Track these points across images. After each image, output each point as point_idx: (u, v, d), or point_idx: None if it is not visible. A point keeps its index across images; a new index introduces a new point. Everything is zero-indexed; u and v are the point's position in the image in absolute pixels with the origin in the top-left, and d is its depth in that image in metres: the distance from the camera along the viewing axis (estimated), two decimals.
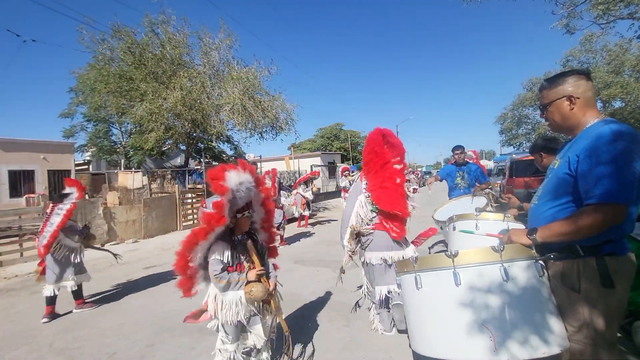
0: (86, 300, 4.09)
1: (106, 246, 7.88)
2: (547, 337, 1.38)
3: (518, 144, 30.37)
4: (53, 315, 3.74)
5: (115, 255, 4.64)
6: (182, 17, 11.60)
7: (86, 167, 21.50)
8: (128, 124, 17.98)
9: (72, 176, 15.95)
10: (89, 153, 21.74)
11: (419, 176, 25.59)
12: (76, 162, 18.42)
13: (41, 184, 15.30)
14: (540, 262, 1.48)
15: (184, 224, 10.00)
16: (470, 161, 5.74)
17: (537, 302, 1.44)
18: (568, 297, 1.43)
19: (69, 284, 3.85)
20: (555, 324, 1.42)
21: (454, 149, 5.30)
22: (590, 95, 1.48)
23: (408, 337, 1.81)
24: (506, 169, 9.93)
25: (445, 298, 1.50)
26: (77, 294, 3.96)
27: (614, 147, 1.27)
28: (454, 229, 2.82)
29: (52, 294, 3.74)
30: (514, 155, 10.37)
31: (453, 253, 1.49)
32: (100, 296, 4.39)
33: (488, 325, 1.40)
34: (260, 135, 13.06)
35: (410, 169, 25.09)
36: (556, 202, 1.48)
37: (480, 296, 1.44)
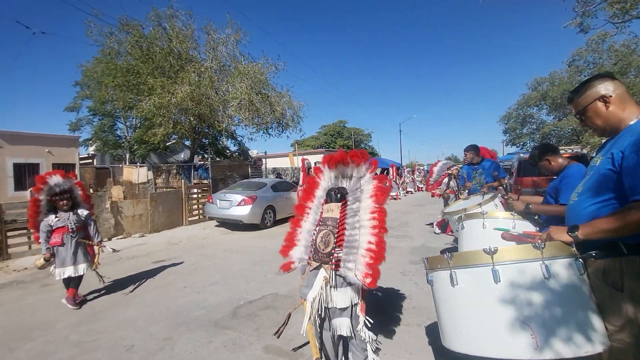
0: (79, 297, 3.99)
1: (113, 240, 7.91)
2: (590, 335, 1.36)
3: (522, 143, 30.30)
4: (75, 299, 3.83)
5: (114, 250, 4.63)
6: (187, 11, 11.56)
7: (91, 161, 21.55)
8: (133, 118, 17.99)
9: (77, 170, 15.96)
10: (94, 147, 21.76)
11: (422, 174, 25.53)
12: (81, 156, 18.45)
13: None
14: (581, 259, 1.45)
15: (189, 219, 9.99)
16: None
17: (578, 300, 1.42)
18: (610, 295, 1.40)
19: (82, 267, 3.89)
20: (597, 322, 1.40)
21: (464, 150, 5.23)
22: (622, 91, 1.48)
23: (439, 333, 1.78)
24: (514, 169, 9.88)
25: (484, 295, 1.47)
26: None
27: None
28: (463, 227, 2.88)
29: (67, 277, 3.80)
30: (521, 155, 10.32)
31: (492, 250, 1.46)
32: (111, 289, 4.37)
33: (529, 322, 1.37)
34: (265, 131, 13.03)
35: (408, 168, 24.86)
36: (598, 199, 1.45)
37: (521, 293, 1.41)
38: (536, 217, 2.65)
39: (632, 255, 1.35)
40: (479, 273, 1.50)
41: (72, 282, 3.86)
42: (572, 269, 1.44)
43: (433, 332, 2.89)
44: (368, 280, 2.01)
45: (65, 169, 15.63)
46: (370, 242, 2.10)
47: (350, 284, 2.13)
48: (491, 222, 2.62)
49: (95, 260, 4.16)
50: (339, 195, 2.33)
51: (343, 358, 2.33)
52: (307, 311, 2.16)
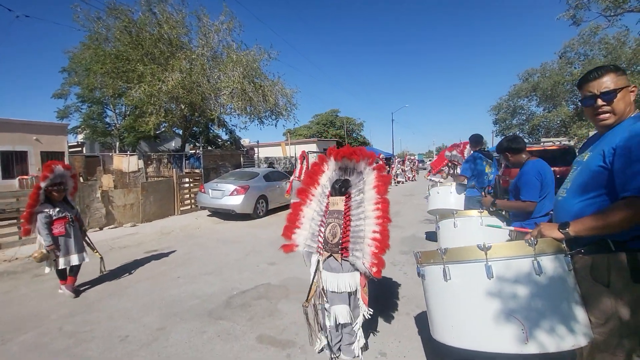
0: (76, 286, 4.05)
1: (104, 230, 7.86)
2: (576, 328, 1.41)
3: (511, 134, 30.60)
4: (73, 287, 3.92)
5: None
6: None
7: (80, 149, 21.15)
8: (122, 105, 17.64)
9: (66, 158, 15.69)
10: (83, 135, 21.33)
11: (415, 164, 25.70)
12: (70, 144, 18.10)
13: (34, 166, 15.03)
14: (569, 256, 1.49)
15: (181, 208, 9.96)
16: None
17: (566, 295, 1.46)
18: (596, 290, 1.45)
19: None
20: (583, 316, 1.45)
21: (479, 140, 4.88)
22: None
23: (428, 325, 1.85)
24: (502, 160, 10.02)
25: (476, 290, 1.51)
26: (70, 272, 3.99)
27: None
28: (439, 228, 3.20)
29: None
30: None
31: (486, 246, 1.49)
32: (104, 279, 4.39)
33: (520, 317, 1.42)
34: (260, 120, 12.93)
35: (398, 158, 24.92)
36: (587, 195, 1.49)
37: (512, 289, 1.45)
38: (503, 213, 2.84)
39: (619, 251, 1.40)
40: (472, 269, 1.53)
41: (72, 271, 3.97)
42: (562, 265, 1.48)
43: (421, 321, 2.99)
44: (374, 269, 2.21)
45: (54, 157, 15.43)
46: (375, 232, 2.29)
47: (350, 271, 2.31)
48: (461, 221, 2.97)
49: (96, 252, 4.29)
50: (342, 189, 2.46)
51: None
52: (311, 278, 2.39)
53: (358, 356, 2.41)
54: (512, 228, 2.10)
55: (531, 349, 1.38)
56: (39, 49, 57.89)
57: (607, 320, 1.42)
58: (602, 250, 1.43)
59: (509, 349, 1.41)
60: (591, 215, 1.42)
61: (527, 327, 1.40)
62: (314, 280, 2.38)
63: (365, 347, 2.53)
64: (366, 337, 2.60)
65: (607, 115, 1.50)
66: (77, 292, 3.93)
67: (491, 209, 2.85)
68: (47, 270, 3.88)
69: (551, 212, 2.61)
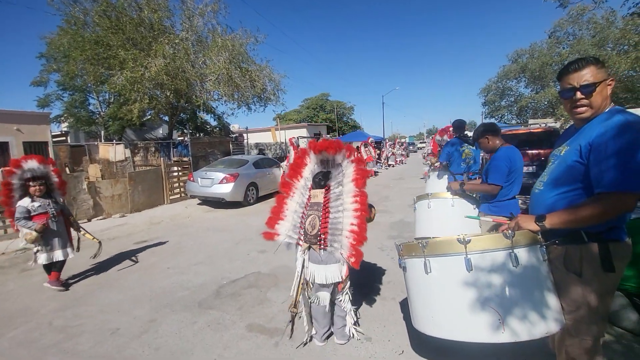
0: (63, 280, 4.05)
1: (93, 221, 7.79)
2: (550, 316, 1.48)
3: (500, 115, 30.78)
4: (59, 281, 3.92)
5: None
6: None
7: (64, 138, 20.61)
8: (106, 93, 17.13)
9: (50, 148, 15.29)
10: (66, 124, 20.74)
11: (404, 147, 25.78)
12: (53, 134, 17.60)
13: (17, 157, 14.63)
14: (545, 247, 1.54)
15: (171, 197, 9.90)
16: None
17: (541, 285, 1.52)
18: (568, 280, 1.51)
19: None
20: (556, 304, 1.52)
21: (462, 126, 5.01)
22: None
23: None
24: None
25: (456, 283, 1.56)
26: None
27: (623, 138, 1.32)
28: (415, 209, 3.38)
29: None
30: None
31: (465, 239, 1.53)
32: (93, 272, 4.39)
33: (497, 308, 1.48)
34: (247, 107, 12.74)
35: (390, 141, 24.93)
36: (562, 189, 1.53)
37: (490, 280, 1.51)
38: (474, 195, 3.06)
39: (591, 242, 1.45)
40: (452, 262, 1.57)
41: (55, 266, 3.91)
42: (537, 255, 1.53)
43: (406, 306, 3.07)
44: (352, 260, 2.29)
45: (37, 147, 15.07)
46: (352, 224, 2.34)
47: (336, 262, 2.39)
48: (435, 202, 3.19)
49: (88, 234, 4.32)
50: (322, 182, 2.52)
51: (331, 324, 2.61)
52: (295, 280, 2.51)
53: (350, 338, 2.55)
54: (489, 219, 2.16)
55: (508, 337, 1.45)
56: (14, 34, 55.38)
57: (577, 307, 1.49)
58: (576, 241, 1.48)
59: (489, 338, 1.47)
60: (566, 209, 1.46)
61: (502, 316, 1.46)
62: (300, 278, 2.48)
63: (357, 324, 2.68)
64: (356, 321, 2.68)
65: (585, 108, 1.50)
66: (66, 285, 3.95)
67: (460, 192, 3.04)
68: (31, 263, 3.87)
69: (517, 197, 2.77)
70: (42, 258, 3.79)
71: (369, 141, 17.62)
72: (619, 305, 2.53)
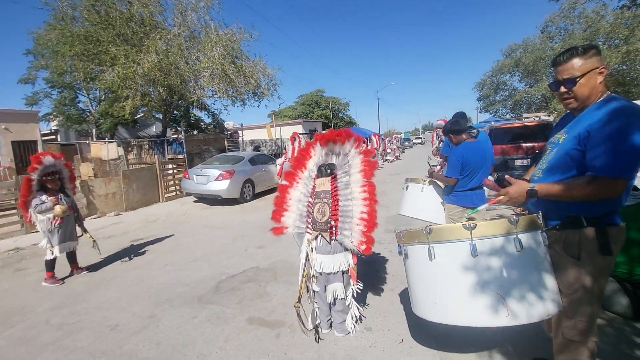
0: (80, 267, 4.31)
1: (87, 220, 7.70)
2: (551, 298, 1.51)
3: (494, 110, 30.98)
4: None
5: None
6: None
7: (54, 137, 20.30)
8: (96, 90, 16.85)
9: (40, 147, 15.05)
10: (56, 122, 20.40)
11: (398, 141, 25.83)
12: (42, 132, 17.33)
13: (6, 156, 14.37)
14: (545, 232, 1.56)
15: (166, 195, 9.81)
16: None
17: (542, 268, 1.54)
18: (566, 263, 1.55)
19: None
20: (555, 288, 1.54)
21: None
22: None
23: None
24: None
25: (461, 268, 1.57)
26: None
27: (615, 124, 1.35)
28: (407, 188, 3.62)
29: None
30: (492, 123, 10.63)
31: (471, 226, 1.54)
32: (91, 270, 4.34)
33: (501, 292, 1.49)
34: (242, 103, 12.64)
35: (387, 137, 24.95)
36: (560, 176, 1.54)
37: (495, 266, 1.52)
38: (439, 183, 3.31)
39: (589, 227, 1.48)
40: (457, 248, 1.58)
41: (71, 259, 4.19)
42: (539, 240, 1.56)
43: (405, 297, 3.10)
44: (363, 247, 2.31)
45: (26, 146, 14.81)
46: (363, 212, 2.38)
47: (343, 251, 2.41)
48: (412, 186, 3.53)
49: (89, 235, 4.39)
50: (328, 170, 2.54)
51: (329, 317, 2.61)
52: (300, 269, 2.50)
53: (350, 332, 2.54)
54: (486, 205, 2.16)
55: (515, 320, 1.47)
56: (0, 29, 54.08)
57: (575, 290, 1.52)
58: (575, 225, 1.51)
59: (494, 322, 1.49)
60: (558, 183, 1.49)
61: (506, 300, 1.48)
62: (304, 271, 2.47)
63: (359, 320, 2.66)
64: (359, 318, 2.69)
65: (570, 100, 1.54)
66: (60, 279, 4.03)
67: (429, 179, 3.37)
68: (58, 253, 3.96)
69: (476, 188, 2.92)
70: (56, 250, 3.92)
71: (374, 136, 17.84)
72: (611, 291, 2.59)
